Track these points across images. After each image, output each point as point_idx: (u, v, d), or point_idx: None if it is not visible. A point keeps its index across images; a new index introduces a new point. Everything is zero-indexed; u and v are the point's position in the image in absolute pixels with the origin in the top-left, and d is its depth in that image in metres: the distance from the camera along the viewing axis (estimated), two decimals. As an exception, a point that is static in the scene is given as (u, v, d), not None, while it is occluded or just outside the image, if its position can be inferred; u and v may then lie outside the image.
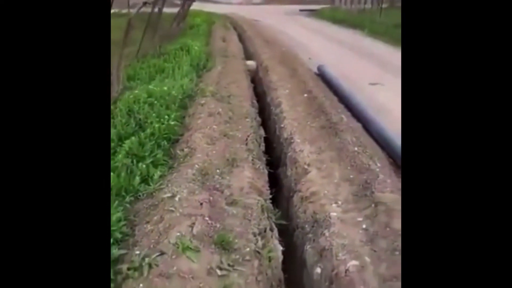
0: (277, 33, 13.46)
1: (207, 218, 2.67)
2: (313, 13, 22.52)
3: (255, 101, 5.94)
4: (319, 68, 7.62)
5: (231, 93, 5.72)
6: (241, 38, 12.55)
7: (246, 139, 4.16)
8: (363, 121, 4.89)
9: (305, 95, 5.79)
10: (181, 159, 3.58)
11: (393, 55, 10.04)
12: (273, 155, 4.73)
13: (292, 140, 4.27)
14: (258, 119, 5.23)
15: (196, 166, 3.38)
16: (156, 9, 8.51)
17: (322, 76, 7.23)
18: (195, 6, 21.25)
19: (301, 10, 24.35)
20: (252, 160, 3.74)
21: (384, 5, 19.95)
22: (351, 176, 3.40)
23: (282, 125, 4.77)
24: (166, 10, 11.39)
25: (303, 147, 4.02)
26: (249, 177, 3.40)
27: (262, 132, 4.79)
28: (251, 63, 8.81)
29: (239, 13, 19.70)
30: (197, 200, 2.84)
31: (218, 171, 3.42)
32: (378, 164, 3.59)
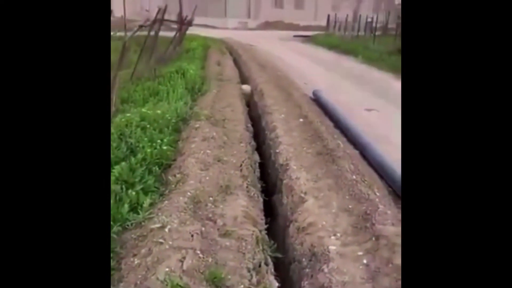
0: (272, 58, 13.54)
1: (198, 252, 2.51)
2: (307, 39, 22.81)
3: (250, 125, 5.85)
4: (314, 93, 7.58)
5: (226, 117, 5.63)
6: (236, 63, 12.58)
7: (241, 165, 4.03)
8: (360, 148, 4.79)
9: (301, 119, 5.71)
10: (173, 186, 3.43)
11: (388, 82, 10.10)
12: (268, 181, 4.59)
13: (288, 167, 4.15)
14: (253, 143, 5.12)
15: (188, 193, 3.23)
16: (152, 32, 8.52)
17: (318, 101, 7.19)
18: (191, 31, 21.47)
19: (295, 36, 24.66)
20: (247, 187, 3.60)
21: (377, 33, 20.31)
22: (350, 206, 3.27)
23: (277, 150, 4.65)
24: (163, 33, 11.45)
25: (300, 174, 3.90)
26: (243, 206, 3.26)
27: (257, 157, 4.68)
28: (246, 87, 8.77)
29: (234, 38, 19.88)
30: (188, 231, 2.69)
31: (211, 198, 3.28)
32: (377, 194, 3.47)
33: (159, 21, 8.66)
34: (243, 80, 9.72)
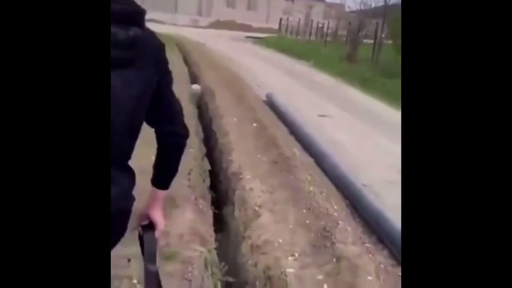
0: (223, 58, 13.19)
1: (135, 281, 2.12)
2: (259, 40, 22.72)
3: (200, 129, 5.46)
4: (267, 96, 7.35)
5: (174, 119, 5.20)
6: (185, 61, 12.09)
7: (189, 173, 3.65)
8: (314, 156, 4.60)
9: (254, 124, 5.43)
10: (109, 198, 2.98)
11: (338, 89, 10.15)
12: (219, 190, 4.26)
13: (241, 176, 3.83)
14: (203, 149, 4.75)
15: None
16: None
17: (271, 105, 6.96)
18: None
19: (247, 37, 24.50)
20: (195, 199, 3.23)
21: (328, 39, 20.70)
22: (308, 222, 3.02)
23: (229, 158, 4.32)
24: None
25: (254, 184, 3.60)
26: (191, 221, 2.90)
27: (207, 164, 4.31)
28: (196, 87, 8.35)
29: (183, 35, 19.25)
30: (124, 256, 2.28)
31: (154, 213, 2.87)
32: (335, 207, 3.26)
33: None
34: (193, 79, 9.29)
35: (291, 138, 5.19)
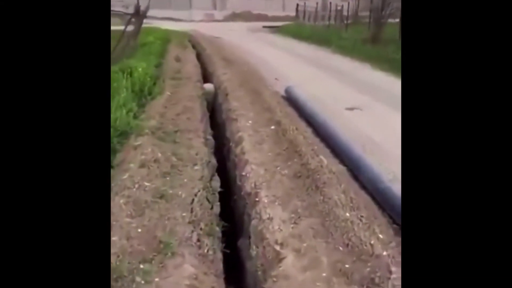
0: (239, 51, 12.40)
1: None
2: (277, 29, 21.75)
3: (210, 137, 4.74)
4: (287, 91, 6.54)
5: (179, 128, 4.50)
6: (199, 57, 11.40)
7: (192, 201, 2.94)
8: (347, 162, 3.79)
9: (272, 127, 4.65)
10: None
11: (365, 73, 9.20)
12: (235, 213, 3.54)
13: (257, 198, 3.09)
14: (213, 162, 4.02)
15: (105, 264, 2.12)
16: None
17: (291, 100, 6.15)
18: (154, 24, 20.02)
19: (264, 27, 23.57)
20: (198, 239, 2.52)
21: (348, 21, 19.50)
22: (347, 266, 2.24)
23: (243, 173, 3.58)
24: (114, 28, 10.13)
25: (273, 210, 2.84)
26: (191, 274, 2.19)
27: (216, 184, 3.57)
28: (209, 86, 7.62)
29: (199, 30, 18.52)
30: None
31: (141, 267, 2.18)
32: (383, 239, 2.46)
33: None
34: (207, 77, 8.57)
35: (316, 141, 4.38)
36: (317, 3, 21.98)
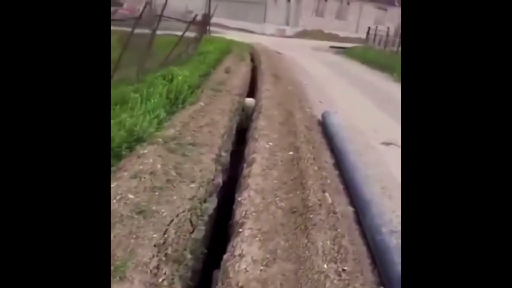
0: (295, 68, 12.24)
1: None
2: (343, 50, 21.33)
3: (225, 153, 4.60)
4: (323, 116, 6.24)
5: (196, 141, 4.42)
6: (254, 71, 11.42)
7: (171, 222, 2.80)
8: (356, 204, 3.44)
9: (291, 152, 4.41)
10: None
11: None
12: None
13: (241, 229, 2.88)
14: (218, 181, 3.87)
15: None
16: (147, 30, 7.49)
17: (325, 126, 5.85)
18: (226, 34, 20.54)
19: (331, 47, 23.25)
20: (158, 266, 2.36)
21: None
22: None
23: (240, 198, 3.39)
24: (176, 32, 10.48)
25: (249, 247, 2.61)
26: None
27: (210, 206, 3.40)
28: (250, 101, 7.55)
29: (264, 44, 18.70)
30: None
31: None
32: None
33: (157, 18, 7.63)
34: (254, 91, 8.51)
35: (334, 174, 4.06)
36: (388, 28, 21.23)
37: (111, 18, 6.26)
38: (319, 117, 6.41)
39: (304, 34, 31.53)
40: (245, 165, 4.33)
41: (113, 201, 2.83)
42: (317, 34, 31.36)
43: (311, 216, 2.94)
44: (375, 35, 22.65)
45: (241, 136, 5.88)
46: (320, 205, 3.13)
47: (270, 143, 4.67)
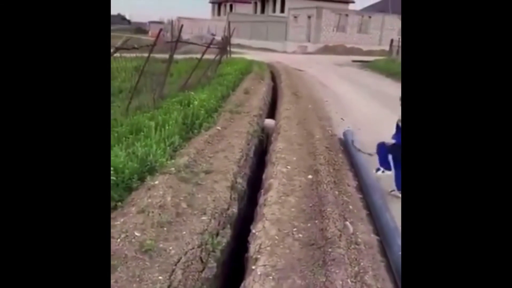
0: (317, 86, 12.04)
1: None
2: (366, 64, 20.99)
3: (241, 180, 4.41)
4: (345, 134, 5.98)
5: (210, 168, 4.27)
6: (274, 90, 11.30)
7: (177, 262, 2.61)
8: (380, 232, 3.15)
9: (310, 176, 4.17)
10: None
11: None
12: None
13: (253, 266, 2.65)
14: (232, 211, 3.67)
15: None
16: (164, 55, 7.52)
17: (346, 146, 5.57)
18: (248, 53, 20.63)
19: (354, 61, 22.94)
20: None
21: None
22: None
23: (254, 231, 3.17)
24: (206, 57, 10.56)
25: (261, 288, 2.39)
26: None
27: (223, 239, 3.19)
28: (270, 122, 7.38)
29: (284, 62, 18.63)
30: None
31: None
32: None
33: (173, 43, 7.65)
34: (273, 113, 8.35)
35: (357, 198, 3.79)
36: (412, 38, 20.72)
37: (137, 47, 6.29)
38: (341, 135, 6.15)
39: (326, 50, 31.37)
40: (261, 192, 4.12)
41: (117, 240, 2.69)
42: (339, 49, 31.14)
43: (330, 248, 2.69)
44: (399, 46, 22.20)
45: (262, 158, 5.70)
46: (340, 235, 2.87)
47: (288, 167, 4.45)
